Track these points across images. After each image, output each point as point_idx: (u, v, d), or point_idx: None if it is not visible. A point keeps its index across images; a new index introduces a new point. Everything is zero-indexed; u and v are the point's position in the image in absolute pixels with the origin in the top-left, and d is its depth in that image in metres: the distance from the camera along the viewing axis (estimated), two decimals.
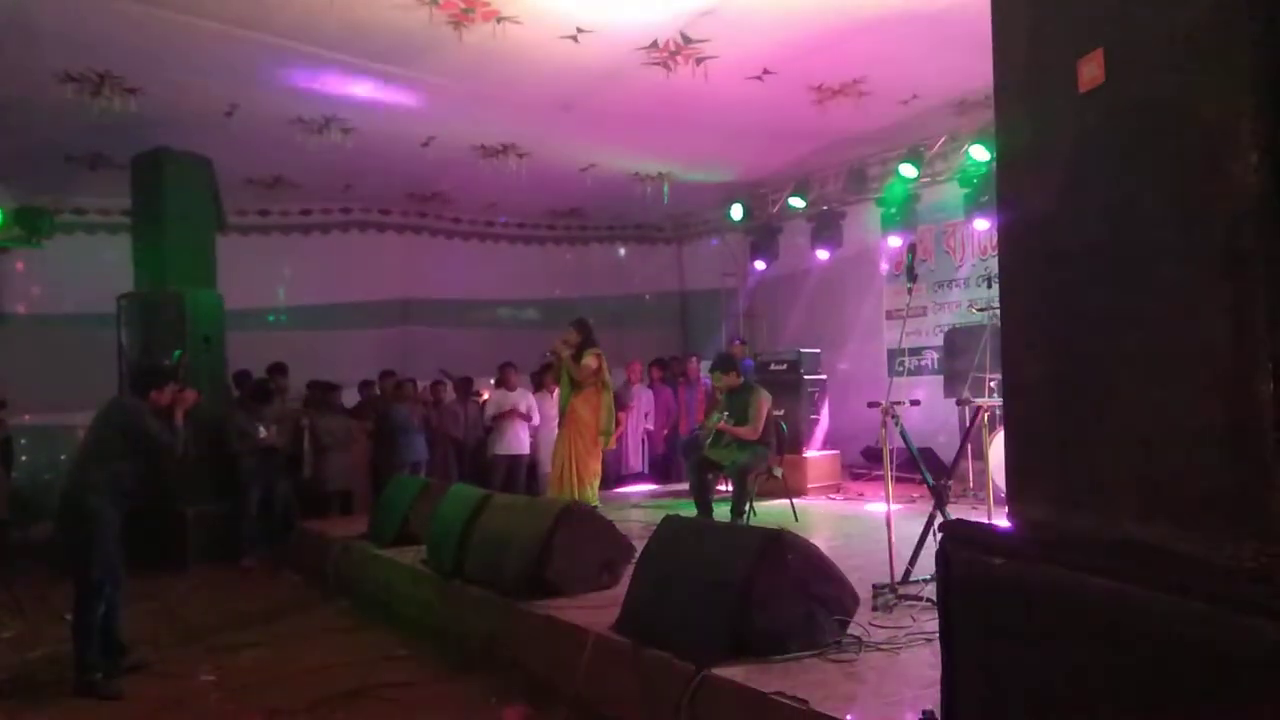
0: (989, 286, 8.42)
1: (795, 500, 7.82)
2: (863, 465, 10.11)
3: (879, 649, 3.81)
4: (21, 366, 9.86)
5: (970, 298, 9.61)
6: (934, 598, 3.00)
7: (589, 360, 7.89)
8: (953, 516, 3.99)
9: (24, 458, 10.15)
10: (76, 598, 4.86)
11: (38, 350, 10.20)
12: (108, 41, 6.86)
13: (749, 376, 8.43)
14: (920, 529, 4.87)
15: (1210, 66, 1.89)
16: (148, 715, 4.49)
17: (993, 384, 7.13)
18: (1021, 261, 2.52)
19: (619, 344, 10.56)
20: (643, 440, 11.00)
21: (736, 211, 11.81)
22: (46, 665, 5.29)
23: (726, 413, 7.36)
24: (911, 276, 5.51)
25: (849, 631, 3.89)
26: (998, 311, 2.77)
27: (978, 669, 2.43)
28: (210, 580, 7.75)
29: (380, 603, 6.51)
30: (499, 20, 6.66)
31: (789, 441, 8.65)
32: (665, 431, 11.19)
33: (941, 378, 9.56)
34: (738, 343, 11.40)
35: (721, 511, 7.13)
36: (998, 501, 5.51)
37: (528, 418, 10.03)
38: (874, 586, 4.54)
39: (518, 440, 10.02)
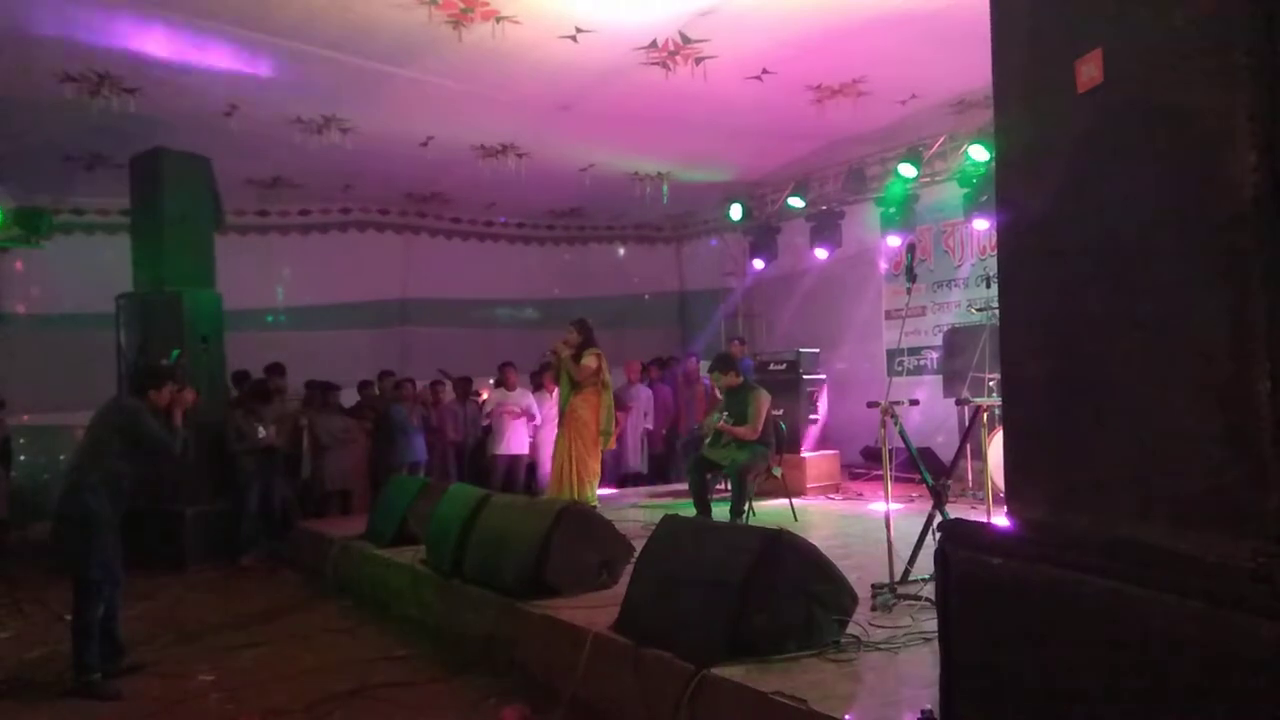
0: (988, 286, 8.44)
1: (794, 500, 7.81)
2: (862, 465, 10.11)
3: (878, 649, 3.80)
4: (20, 366, 9.88)
5: (969, 297, 9.62)
6: (933, 597, 3.01)
7: (589, 360, 7.89)
8: (952, 516, 3.98)
9: (23, 457, 10.15)
10: (75, 598, 4.85)
11: (37, 350, 10.21)
12: (107, 42, 6.86)
13: (748, 376, 8.43)
14: (919, 529, 4.86)
15: (1209, 66, 1.89)
16: (146, 715, 4.48)
17: (992, 383, 7.15)
18: (1020, 261, 2.52)
19: (618, 344, 10.56)
20: (642, 440, 11.00)
21: (735, 211, 11.81)
22: (45, 665, 5.29)
23: (726, 412, 7.36)
24: (911, 276, 5.50)
25: (848, 631, 3.88)
26: (997, 311, 2.78)
27: (976, 668, 2.44)
28: (209, 580, 7.75)
29: (379, 603, 6.51)
30: (498, 20, 6.67)
31: (788, 441, 8.65)
32: (664, 431, 11.19)
33: (940, 377, 9.56)
34: (737, 342, 11.41)
35: (721, 511, 7.12)
36: (997, 501, 5.51)
37: (529, 416, 10.03)
38: (873, 586, 4.53)
39: (517, 440, 10.02)
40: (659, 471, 11.12)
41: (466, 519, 5.77)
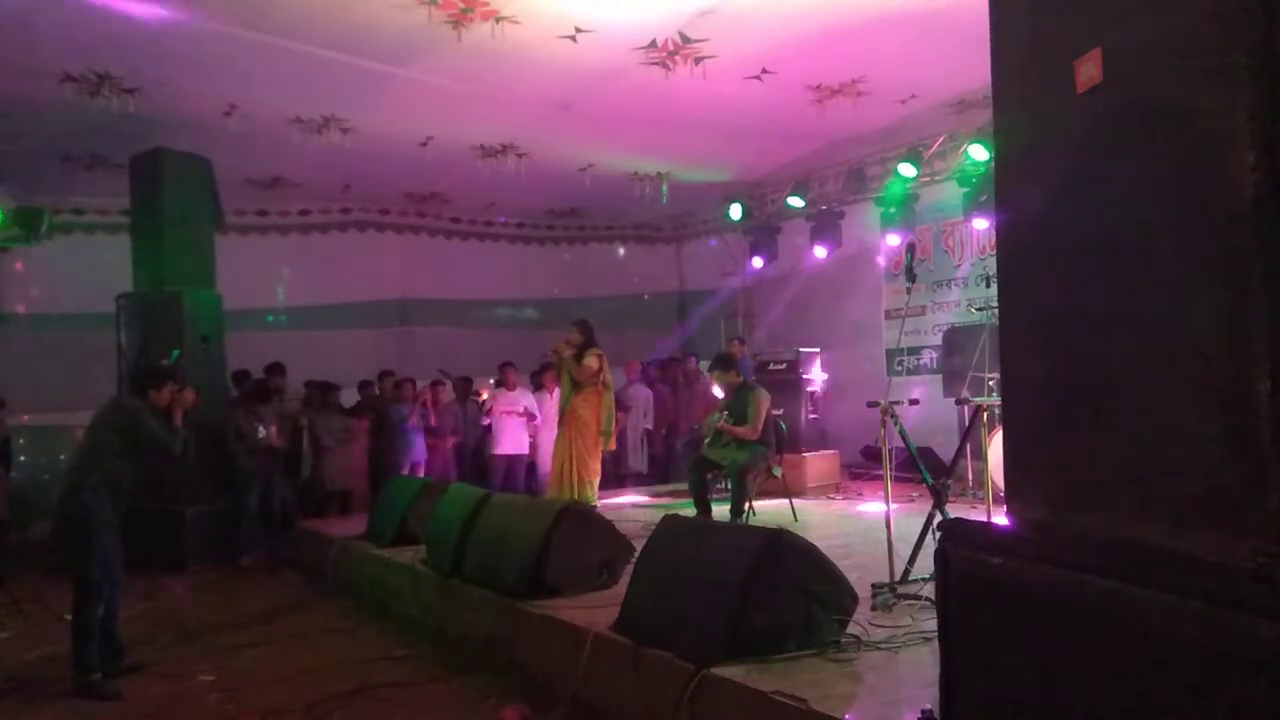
0: (988, 286, 8.45)
1: (794, 500, 7.82)
2: (861, 465, 10.11)
3: (878, 648, 3.80)
4: (20, 366, 9.86)
5: (969, 297, 9.62)
6: (933, 597, 3.01)
7: (590, 361, 7.89)
8: (952, 516, 3.99)
9: (23, 457, 10.14)
10: (75, 598, 4.86)
11: (36, 350, 10.21)
12: (107, 42, 6.86)
13: (748, 376, 8.42)
14: (919, 528, 4.86)
15: (1209, 66, 1.89)
16: (147, 715, 4.48)
17: (991, 383, 7.14)
18: (1020, 261, 2.52)
19: (618, 344, 10.56)
20: (642, 440, 11.00)
21: (735, 211, 11.80)
22: (45, 665, 5.28)
23: (726, 412, 7.36)
24: (910, 276, 5.50)
25: (848, 631, 3.88)
26: (996, 311, 2.77)
27: (976, 668, 2.44)
28: (209, 580, 7.75)
29: (379, 603, 6.51)
30: (498, 20, 6.67)
31: (788, 441, 8.65)
32: (664, 431, 11.18)
33: (940, 377, 9.56)
34: (737, 342, 11.40)
35: (721, 511, 7.12)
36: (997, 501, 5.50)
37: (529, 416, 10.03)
38: (873, 586, 4.53)
39: (517, 440, 10.02)
40: (659, 471, 11.11)
41: (466, 519, 5.77)
